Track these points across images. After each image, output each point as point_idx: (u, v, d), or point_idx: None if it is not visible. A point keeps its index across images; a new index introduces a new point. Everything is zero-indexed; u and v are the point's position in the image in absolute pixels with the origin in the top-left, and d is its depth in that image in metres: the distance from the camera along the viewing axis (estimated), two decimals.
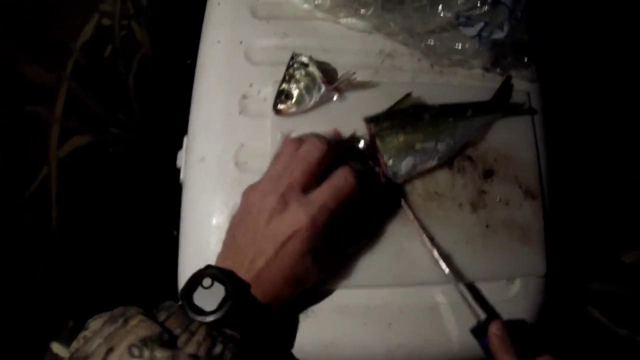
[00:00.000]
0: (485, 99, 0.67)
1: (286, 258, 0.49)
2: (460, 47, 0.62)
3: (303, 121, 0.63)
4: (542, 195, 0.65)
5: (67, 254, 0.70)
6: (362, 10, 0.63)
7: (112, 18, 0.77)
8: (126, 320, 0.44)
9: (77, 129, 0.71)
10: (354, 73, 0.63)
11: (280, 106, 0.62)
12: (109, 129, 0.78)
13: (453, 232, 0.62)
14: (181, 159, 0.67)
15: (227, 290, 0.46)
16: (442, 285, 0.60)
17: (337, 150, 0.55)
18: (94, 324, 0.46)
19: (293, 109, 0.62)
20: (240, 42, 0.67)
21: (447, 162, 0.63)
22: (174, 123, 0.68)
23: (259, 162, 0.62)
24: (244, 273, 0.49)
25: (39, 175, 0.65)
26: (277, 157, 0.54)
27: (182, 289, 0.47)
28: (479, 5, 0.58)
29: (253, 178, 0.60)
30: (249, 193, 0.52)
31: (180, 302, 0.46)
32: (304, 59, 0.63)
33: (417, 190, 0.63)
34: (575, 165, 0.98)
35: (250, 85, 0.65)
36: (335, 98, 0.64)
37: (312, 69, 0.62)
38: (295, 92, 0.62)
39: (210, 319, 0.45)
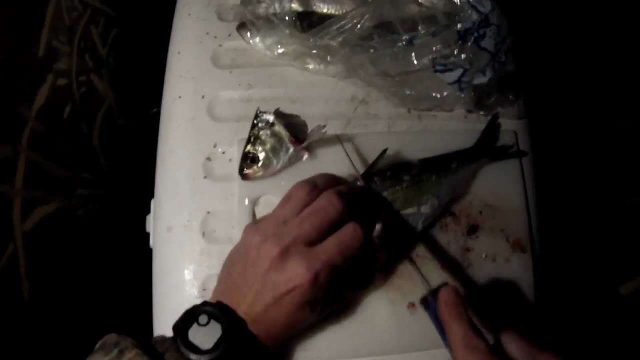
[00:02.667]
0: (469, 142, 0.62)
1: (285, 308, 0.47)
2: (438, 95, 0.57)
3: (273, 184, 0.59)
4: (532, 246, 0.60)
5: (41, 322, 0.68)
6: (329, 58, 0.58)
7: (68, 76, 0.73)
8: (121, 352, 0.42)
9: (41, 198, 0.67)
10: (325, 127, 0.58)
11: (247, 171, 0.58)
12: (75, 191, 0.74)
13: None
14: (150, 224, 0.63)
15: (224, 330, 0.44)
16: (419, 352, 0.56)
17: (350, 206, 0.51)
18: None
19: (260, 173, 0.58)
20: (203, 97, 0.63)
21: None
22: (144, 176, 0.64)
23: (227, 231, 0.59)
24: (242, 313, 0.47)
25: (5, 254, 0.62)
26: (287, 200, 0.51)
27: (177, 325, 0.45)
28: (456, 52, 0.52)
29: (222, 248, 0.58)
30: (250, 232, 0.49)
31: (173, 337, 0.44)
32: (270, 118, 0.58)
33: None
34: (565, 197, 0.96)
35: (215, 146, 0.61)
36: (305, 157, 0.59)
37: (279, 128, 0.58)
38: (261, 155, 0.57)
39: (206, 358, 0.43)
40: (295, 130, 0.60)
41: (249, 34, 0.64)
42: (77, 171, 0.74)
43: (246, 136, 0.60)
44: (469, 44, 0.52)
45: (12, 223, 0.62)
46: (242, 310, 0.47)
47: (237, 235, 0.58)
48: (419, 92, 0.59)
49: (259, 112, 0.59)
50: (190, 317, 0.45)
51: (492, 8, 0.53)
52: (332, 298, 0.50)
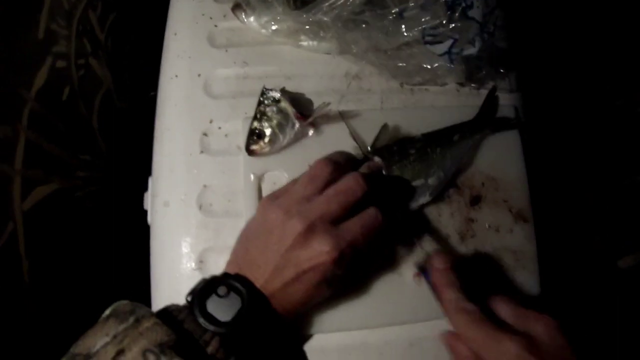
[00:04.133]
0: (461, 115, 0.63)
1: (304, 284, 0.47)
2: (429, 66, 0.58)
3: (278, 160, 0.60)
4: (533, 216, 0.61)
5: (41, 303, 0.68)
6: (322, 33, 0.59)
7: (67, 59, 0.74)
8: (138, 321, 0.41)
9: (40, 178, 0.68)
10: (329, 104, 0.59)
11: (253, 146, 0.58)
12: (75, 173, 0.75)
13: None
14: (147, 201, 0.64)
15: (243, 302, 0.44)
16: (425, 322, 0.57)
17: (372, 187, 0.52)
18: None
19: (266, 149, 0.58)
20: (199, 75, 0.64)
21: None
22: (142, 159, 0.65)
23: (224, 204, 0.60)
24: (259, 288, 0.47)
25: (5, 232, 0.62)
26: (311, 178, 0.51)
27: (193, 293, 0.44)
28: (444, 22, 0.53)
29: (218, 221, 0.58)
30: (271, 208, 0.49)
31: (189, 307, 0.44)
32: (276, 95, 0.59)
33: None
34: (563, 173, 0.96)
35: (211, 122, 0.62)
36: (311, 133, 0.60)
37: (284, 104, 0.59)
38: (267, 131, 0.58)
39: (225, 330, 0.42)
40: (301, 106, 0.60)
41: (243, 13, 0.64)
42: (77, 152, 0.75)
43: (244, 112, 0.61)
44: (457, 14, 0.53)
45: (11, 201, 0.63)
46: (259, 284, 0.47)
47: (234, 208, 0.60)
48: (410, 65, 0.60)
49: (264, 89, 0.60)
50: (208, 287, 0.44)
51: None
52: (349, 277, 0.51)
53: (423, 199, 0.58)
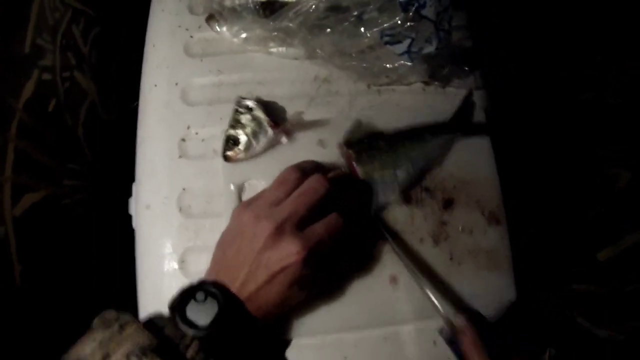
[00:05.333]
0: (428, 113, 0.66)
1: (277, 286, 0.50)
2: (391, 66, 0.61)
3: (256, 168, 0.63)
4: (506, 217, 0.63)
5: (32, 305, 0.71)
6: (289, 39, 0.63)
7: (53, 72, 0.77)
8: (122, 327, 0.43)
9: (30, 185, 0.71)
10: (302, 112, 0.63)
11: (229, 153, 0.62)
12: (62, 181, 0.78)
13: (416, 268, 0.59)
14: (132, 206, 0.67)
15: (220, 306, 0.46)
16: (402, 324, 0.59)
17: (335, 186, 0.55)
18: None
19: (241, 155, 0.62)
20: (176, 84, 0.67)
21: (405, 196, 0.62)
22: (127, 167, 0.68)
23: (202, 206, 0.63)
24: (235, 292, 0.49)
25: None
26: (279, 183, 0.54)
27: (174, 302, 0.46)
28: (400, 22, 0.57)
29: (197, 222, 0.62)
30: (243, 213, 0.52)
31: (170, 315, 0.46)
32: (249, 103, 0.63)
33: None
34: (534, 170, 0.98)
35: (188, 128, 0.65)
36: (284, 140, 0.63)
37: (258, 112, 0.62)
38: (242, 138, 0.61)
39: (204, 333, 0.45)
40: (274, 114, 0.64)
41: (216, 24, 0.68)
42: (64, 161, 0.78)
43: (219, 117, 0.64)
44: (411, 13, 0.56)
45: (2, 207, 0.66)
46: (235, 288, 0.49)
47: (212, 209, 0.63)
48: (375, 66, 0.63)
49: (239, 98, 0.63)
50: (187, 294, 0.47)
51: None
52: (319, 279, 0.54)
53: (391, 194, 0.61)
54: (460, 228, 0.62)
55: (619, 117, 0.98)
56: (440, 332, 0.55)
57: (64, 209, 0.77)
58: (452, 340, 0.53)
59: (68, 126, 0.80)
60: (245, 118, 0.62)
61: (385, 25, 0.57)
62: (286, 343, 0.57)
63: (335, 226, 0.52)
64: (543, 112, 1.06)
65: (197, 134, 0.65)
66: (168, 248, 0.62)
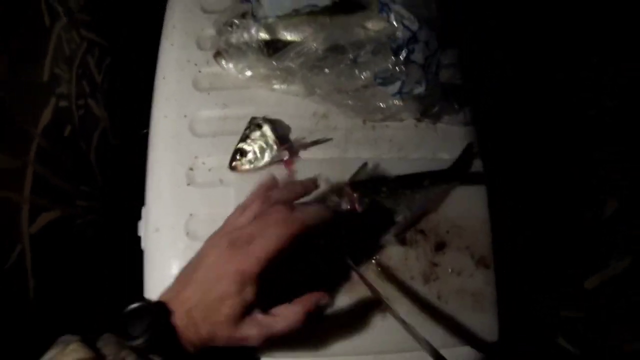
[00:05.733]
0: (420, 149, 0.71)
1: (227, 310, 0.51)
2: (384, 105, 0.66)
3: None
4: (495, 263, 0.66)
5: (43, 319, 0.76)
6: (290, 78, 0.68)
7: (69, 99, 0.83)
8: (66, 345, 0.47)
9: (45, 206, 0.76)
10: (304, 137, 0.69)
11: (235, 163, 0.67)
12: (75, 202, 0.83)
13: (405, 304, 0.64)
14: (141, 228, 0.71)
15: (151, 317, 0.49)
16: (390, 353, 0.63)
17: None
18: None
19: (246, 167, 0.67)
20: (185, 116, 0.72)
21: (400, 238, 0.66)
22: (136, 191, 0.73)
23: (208, 230, 0.66)
24: (177, 304, 0.52)
25: (14, 252, 0.70)
26: (241, 208, 0.56)
27: (118, 321, 0.50)
28: (391, 66, 0.62)
29: None
30: (208, 240, 0.56)
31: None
32: (260, 122, 0.68)
33: (370, 264, 0.66)
34: (525, 197, 1.01)
35: (196, 157, 0.70)
36: (286, 157, 0.68)
37: (267, 131, 0.67)
38: (249, 151, 0.67)
39: (135, 342, 0.48)
40: (280, 133, 0.69)
41: (223, 60, 0.73)
42: (77, 184, 0.84)
43: (224, 149, 0.69)
44: (401, 57, 0.61)
45: (20, 226, 0.71)
46: (180, 311, 0.51)
47: None
48: (369, 104, 0.68)
49: (252, 118, 0.69)
50: (128, 314, 0.51)
51: (419, 27, 0.62)
52: (255, 299, 0.52)
53: (388, 235, 0.65)
54: (449, 270, 0.66)
55: (616, 123, 1.00)
56: None
57: (76, 228, 0.82)
58: None
59: (82, 150, 0.85)
60: (255, 134, 0.68)
61: (377, 68, 0.62)
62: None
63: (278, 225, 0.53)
64: (536, 122, 1.08)
65: (204, 163, 0.69)
66: (175, 269, 0.65)
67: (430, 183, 0.66)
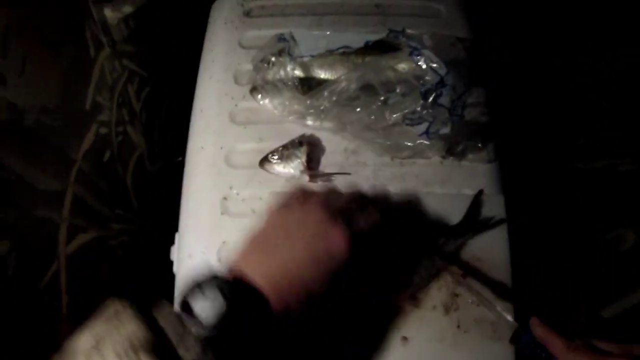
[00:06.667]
0: (446, 185, 0.73)
1: (315, 272, 0.50)
2: (412, 144, 0.69)
3: None
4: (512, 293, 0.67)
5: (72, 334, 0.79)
6: (323, 115, 0.71)
7: (109, 126, 0.87)
8: (117, 313, 0.41)
9: (82, 227, 0.80)
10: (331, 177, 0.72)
11: (263, 161, 0.72)
12: (110, 224, 0.87)
13: (426, 332, 0.65)
14: (174, 253, 0.74)
15: (228, 307, 0.43)
16: None
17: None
18: None
19: (270, 169, 0.72)
20: (221, 148, 0.76)
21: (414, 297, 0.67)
22: (170, 216, 0.76)
23: None
24: (264, 284, 0.47)
25: (50, 270, 0.74)
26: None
27: (183, 295, 0.45)
28: (419, 109, 0.65)
29: None
30: (286, 207, 0.55)
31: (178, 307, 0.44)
32: (302, 140, 0.73)
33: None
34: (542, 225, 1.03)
35: (230, 188, 0.73)
36: (306, 179, 0.72)
37: (302, 150, 0.71)
38: (277, 159, 0.71)
39: (206, 334, 0.42)
40: (315, 157, 0.74)
41: (259, 96, 0.77)
42: (113, 207, 0.87)
43: (258, 181, 0.73)
44: (429, 101, 0.65)
45: (57, 245, 0.74)
46: (265, 279, 0.47)
47: None
48: (397, 143, 0.71)
49: (303, 134, 0.74)
50: (197, 290, 0.45)
51: (446, 71, 0.65)
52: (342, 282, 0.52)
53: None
54: (470, 300, 0.67)
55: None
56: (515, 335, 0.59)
57: (110, 248, 0.85)
58: (520, 331, 0.59)
59: (119, 175, 0.89)
60: (292, 150, 0.72)
61: (406, 110, 0.65)
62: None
63: (373, 219, 0.56)
64: (538, 115, 1.09)
65: (238, 194, 0.73)
66: None
67: (444, 242, 0.67)
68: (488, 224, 0.70)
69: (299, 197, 0.55)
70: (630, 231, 1.05)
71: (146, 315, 0.41)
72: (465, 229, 0.69)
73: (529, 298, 0.69)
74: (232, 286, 0.45)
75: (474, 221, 0.70)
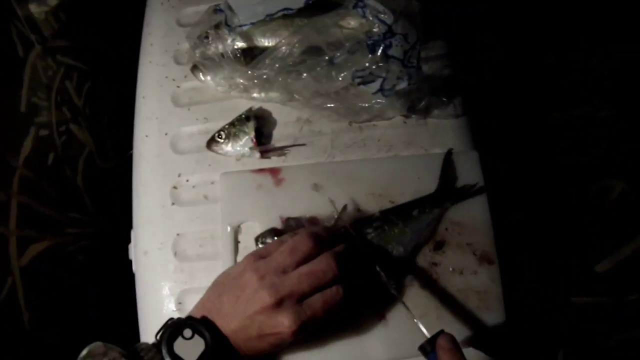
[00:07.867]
0: (411, 146, 0.68)
1: (265, 344, 0.51)
2: (367, 104, 0.64)
3: (252, 211, 0.65)
4: (498, 258, 0.63)
5: (40, 350, 0.74)
6: (268, 85, 0.66)
7: (49, 128, 0.82)
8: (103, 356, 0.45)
9: (34, 237, 0.75)
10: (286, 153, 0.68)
11: (210, 142, 0.67)
12: (65, 230, 0.82)
13: (404, 308, 0.59)
14: (131, 252, 0.70)
15: (207, 345, 0.48)
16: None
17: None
18: None
19: (218, 150, 0.67)
20: (166, 134, 0.70)
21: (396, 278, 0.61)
22: (127, 213, 0.71)
23: (196, 249, 0.65)
24: (226, 335, 0.51)
25: (5, 286, 0.69)
26: (292, 250, 0.54)
27: (161, 336, 0.49)
28: (368, 65, 0.59)
29: (192, 265, 0.64)
30: (249, 267, 0.53)
31: (156, 346, 0.48)
32: (249, 114, 0.68)
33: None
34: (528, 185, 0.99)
35: (179, 175, 0.68)
36: (257, 156, 0.67)
37: (249, 126, 0.67)
38: (224, 138, 0.67)
39: None
40: (266, 132, 0.69)
41: (200, 73, 0.71)
42: (66, 211, 0.82)
43: (207, 164, 0.68)
44: (378, 54, 0.59)
45: (9, 259, 0.69)
46: (225, 331, 0.51)
47: (205, 252, 0.65)
48: (352, 106, 0.66)
49: (250, 108, 0.68)
50: (175, 330, 0.48)
51: (395, 19, 0.59)
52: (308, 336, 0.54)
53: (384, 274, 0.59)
54: (450, 269, 0.62)
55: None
56: (420, 346, 0.52)
57: (68, 255, 0.80)
58: (427, 349, 0.50)
59: (67, 178, 0.83)
60: (239, 123, 0.67)
61: (355, 68, 0.60)
62: None
63: (333, 300, 0.52)
64: (528, 104, 1.07)
65: (187, 181, 0.68)
66: (166, 290, 0.64)
67: (419, 212, 0.62)
68: (465, 192, 0.65)
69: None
70: (617, 181, 1.01)
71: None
72: (440, 199, 0.64)
73: (515, 260, 0.66)
74: (206, 328, 0.49)
75: (449, 189, 0.65)
